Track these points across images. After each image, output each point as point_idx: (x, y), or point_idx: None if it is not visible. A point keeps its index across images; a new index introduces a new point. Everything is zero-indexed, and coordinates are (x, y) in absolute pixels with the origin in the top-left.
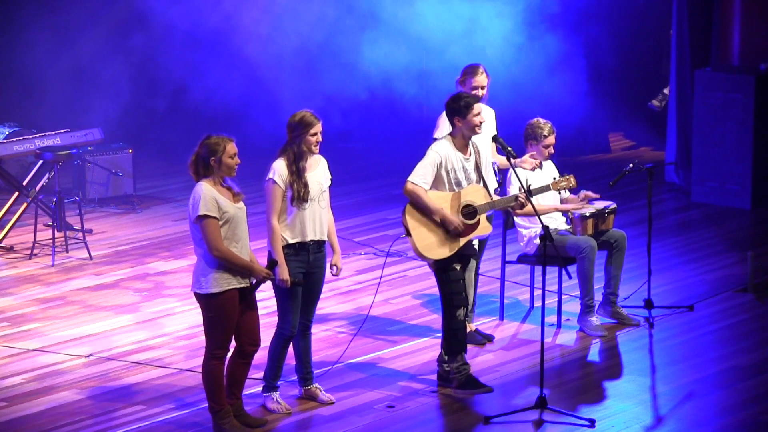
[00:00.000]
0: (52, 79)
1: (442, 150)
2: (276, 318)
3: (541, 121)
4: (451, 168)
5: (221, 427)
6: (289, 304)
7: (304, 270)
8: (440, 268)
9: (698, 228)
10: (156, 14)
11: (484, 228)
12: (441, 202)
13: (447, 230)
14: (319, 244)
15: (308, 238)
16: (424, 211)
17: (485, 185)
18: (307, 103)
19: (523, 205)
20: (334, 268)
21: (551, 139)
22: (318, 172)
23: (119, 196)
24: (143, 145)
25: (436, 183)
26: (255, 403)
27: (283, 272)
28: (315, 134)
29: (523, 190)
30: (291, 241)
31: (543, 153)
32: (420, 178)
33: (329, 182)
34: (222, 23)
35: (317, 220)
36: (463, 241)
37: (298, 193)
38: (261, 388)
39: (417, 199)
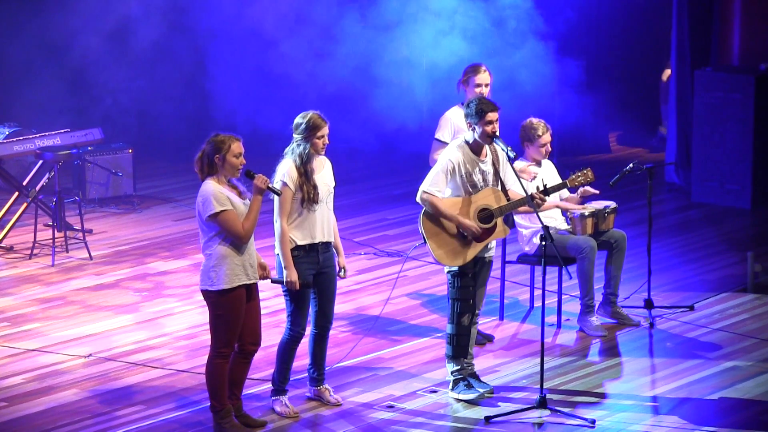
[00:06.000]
0: (51, 79)
1: (454, 156)
2: (276, 318)
3: (534, 120)
4: (466, 173)
5: (222, 427)
6: (298, 306)
7: (315, 271)
8: (454, 273)
9: (698, 228)
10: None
11: (501, 231)
12: (453, 208)
13: (463, 236)
14: (327, 245)
15: (317, 240)
16: (440, 219)
17: (503, 187)
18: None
19: (540, 205)
20: (342, 270)
21: (546, 137)
22: (324, 174)
23: (119, 196)
24: (143, 145)
25: (454, 188)
26: (255, 404)
27: (292, 274)
28: (322, 137)
29: (539, 190)
30: (301, 243)
31: (540, 152)
32: (433, 186)
33: (334, 183)
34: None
35: (325, 221)
36: (480, 246)
37: (308, 195)
38: (268, 390)
39: (431, 208)
